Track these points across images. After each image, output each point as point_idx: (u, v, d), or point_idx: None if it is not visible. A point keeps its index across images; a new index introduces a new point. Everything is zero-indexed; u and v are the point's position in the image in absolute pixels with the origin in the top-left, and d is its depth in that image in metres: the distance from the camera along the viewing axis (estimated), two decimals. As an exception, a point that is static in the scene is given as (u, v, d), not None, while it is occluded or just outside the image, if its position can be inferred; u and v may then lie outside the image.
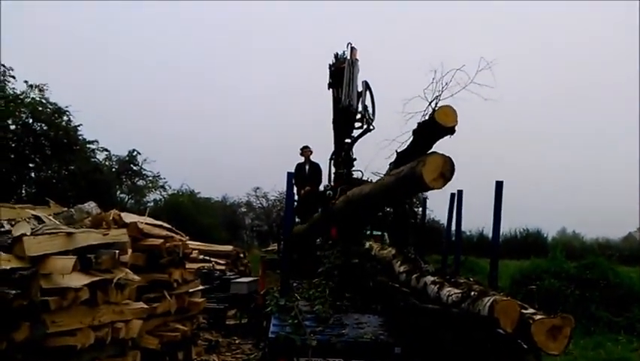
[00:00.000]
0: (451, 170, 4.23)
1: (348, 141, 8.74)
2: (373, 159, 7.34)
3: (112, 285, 5.22)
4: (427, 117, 4.97)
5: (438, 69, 4.96)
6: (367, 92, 8.52)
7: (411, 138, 5.31)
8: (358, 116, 8.48)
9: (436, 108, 4.82)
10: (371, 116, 8.46)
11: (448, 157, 4.25)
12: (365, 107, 8.44)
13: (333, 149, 9.05)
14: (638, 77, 68.95)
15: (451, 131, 4.78)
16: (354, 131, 8.69)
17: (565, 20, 74.43)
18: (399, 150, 5.58)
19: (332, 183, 8.73)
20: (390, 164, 5.77)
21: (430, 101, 4.95)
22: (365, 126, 8.50)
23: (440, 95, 4.91)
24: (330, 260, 7.29)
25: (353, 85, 8.40)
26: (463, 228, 8.13)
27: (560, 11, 74.05)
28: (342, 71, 8.60)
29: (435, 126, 4.76)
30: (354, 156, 8.72)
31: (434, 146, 5.02)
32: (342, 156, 8.70)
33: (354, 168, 8.64)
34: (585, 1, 75.42)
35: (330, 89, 9.18)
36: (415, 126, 5.20)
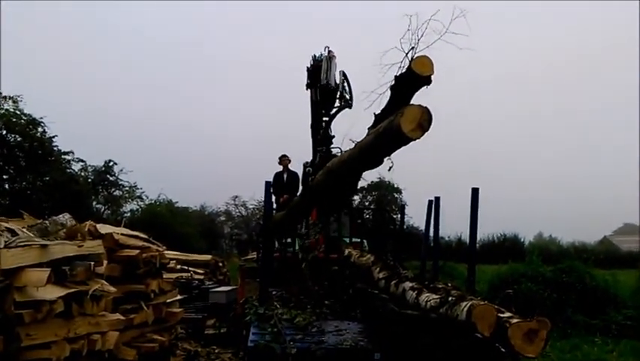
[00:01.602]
0: (429, 120, 4.13)
1: (325, 119, 8.77)
2: (353, 124, 7.17)
3: (87, 296, 5.17)
4: (403, 69, 4.94)
5: (413, 18, 4.89)
6: (345, 82, 8.63)
7: (388, 100, 5.25)
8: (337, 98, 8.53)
9: (413, 59, 4.79)
10: (348, 94, 8.51)
11: (426, 107, 4.15)
12: (344, 88, 8.49)
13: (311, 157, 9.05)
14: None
15: (427, 81, 4.75)
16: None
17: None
18: (377, 113, 5.51)
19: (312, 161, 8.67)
20: (368, 128, 5.71)
21: (406, 52, 4.91)
22: (343, 103, 8.53)
23: (417, 45, 4.86)
24: (312, 234, 7.29)
25: (331, 72, 8.48)
26: (442, 234, 8.19)
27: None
28: (319, 69, 8.69)
29: (412, 77, 4.69)
30: (332, 134, 8.71)
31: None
32: (321, 134, 8.66)
33: (332, 146, 8.61)
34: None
35: (308, 90, 9.21)
36: (392, 81, 5.14)
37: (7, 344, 4.25)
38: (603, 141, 68.38)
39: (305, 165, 8.79)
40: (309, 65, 9.29)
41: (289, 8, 72.86)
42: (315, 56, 9.29)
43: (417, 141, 4.19)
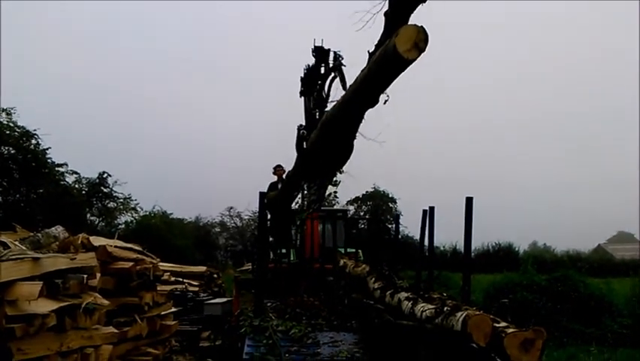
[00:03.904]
0: (425, 39, 3.93)
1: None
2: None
3: (80, 310, 5.12)
4: None
5: None
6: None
7: (382, 30, 5.14)
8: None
9: None
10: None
11: (421, 26, 3.95)
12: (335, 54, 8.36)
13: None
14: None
15: None
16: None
17: None
18: (371, 51, 5.35)
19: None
20: (362, 70, 5.56)
21: None
22: (336, 63, 8.40)
23: None
24: (306, 196, 7.21)
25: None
26: (437, 243, 8.16)
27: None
28: (311, 77, 8.65)
29: None
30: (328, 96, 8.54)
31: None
32: (315, 96, 8.52)
33: (327, 109, 8.44)
34: None
35: (302, 98, 9.16)
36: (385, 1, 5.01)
37: (-1, 359, 4.21)
38: (598, 148, 68.63)
39: (299, 128, 8.60)
40: (302, 76, 9.28)
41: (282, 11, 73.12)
42: (308, 65, 9.27)
43: (415, 61, 3.97)
